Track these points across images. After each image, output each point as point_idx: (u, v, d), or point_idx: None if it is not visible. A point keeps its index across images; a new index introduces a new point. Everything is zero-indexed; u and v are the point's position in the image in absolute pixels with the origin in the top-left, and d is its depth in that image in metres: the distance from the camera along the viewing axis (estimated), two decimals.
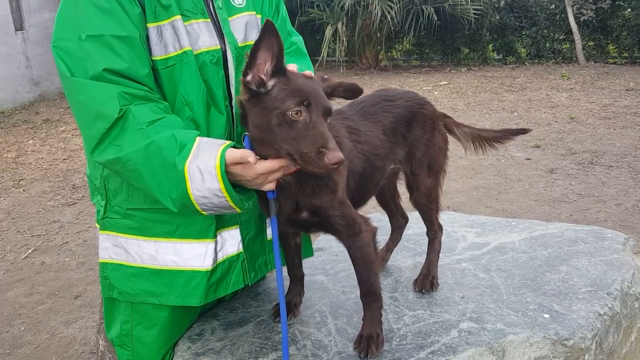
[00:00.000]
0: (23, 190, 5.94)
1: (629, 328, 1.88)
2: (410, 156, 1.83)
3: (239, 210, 1.41)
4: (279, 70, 1.34)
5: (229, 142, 1.38)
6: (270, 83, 1.34)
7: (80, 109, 1.42)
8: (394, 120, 1.76)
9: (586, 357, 1.63)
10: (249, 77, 1.35)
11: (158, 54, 1.48)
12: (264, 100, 1.34)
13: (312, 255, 1.96)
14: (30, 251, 4.46)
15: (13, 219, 5.18)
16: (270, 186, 1.40)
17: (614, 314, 1.76)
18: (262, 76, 1.34)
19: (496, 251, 2.15)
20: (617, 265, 1.98)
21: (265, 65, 1.34)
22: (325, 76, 1.48)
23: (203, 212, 1.41)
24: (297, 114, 1.29)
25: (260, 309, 1.85)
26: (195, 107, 1.52)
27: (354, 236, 1.54)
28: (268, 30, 1.30)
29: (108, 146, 1.39)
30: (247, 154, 1.33)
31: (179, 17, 1.49)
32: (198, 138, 1.37)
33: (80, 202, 5.46)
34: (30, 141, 7.89)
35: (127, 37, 1.40)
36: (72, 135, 7.95)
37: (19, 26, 10.69)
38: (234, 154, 1.34)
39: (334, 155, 1.25)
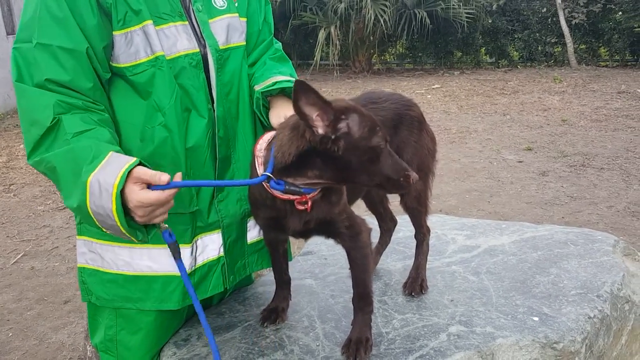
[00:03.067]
0: (13, 194, 5.90)
1: (619, 331, 1.86)
2: None
3: (133, 239, 1.35)
4: (339, 114, 1.30)
5: (136, 159, 1.31)
6: (342, 125, 1.30)
7: (21, 113, 1.40)
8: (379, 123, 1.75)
9: None
10: (320, 131, 1.28)
11: (125, 61, 1.45)
12: (345, 141, 1.30)
13: (291, 259, 1.93)
14: (19, 256, 4.42)
15: (3, 223, 5.14)
16: (161, 224, 1.35)
17: (604, 316, 1.74)
18: (328, 128, 1.29)
19: (486, 254, 2.13)
20: (607, 268, 1.97)
21: (323, 119, 1.28)
22: None
23: (104, 229, 1.35)
24: (383, 146, 1.34)
25: (247, 313, 1.83)
26: (167, 112, 1.49)
27: (355, 237, 1.53)
28: (301, 88, 1.23)
29: (42, 154, 1.37)
30: (161, 174, 1.28)
31: (150, 22, 1.46)
32: (112, 152, 1.32)
33: None
34: (21, 145, 7.84)
35: (72, 50, 1.37)
36: None
37: (11, 30, 10.65)
38: (145, 170, 1.29)
39: (415, 175, 1.36)
